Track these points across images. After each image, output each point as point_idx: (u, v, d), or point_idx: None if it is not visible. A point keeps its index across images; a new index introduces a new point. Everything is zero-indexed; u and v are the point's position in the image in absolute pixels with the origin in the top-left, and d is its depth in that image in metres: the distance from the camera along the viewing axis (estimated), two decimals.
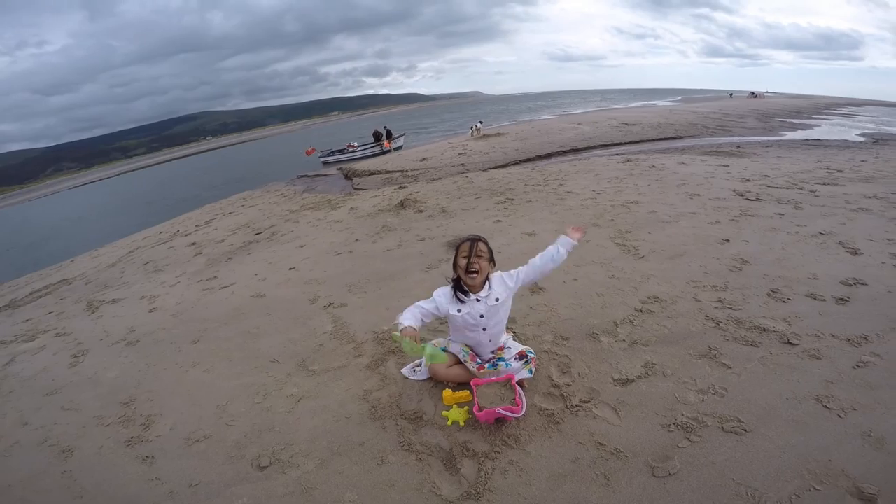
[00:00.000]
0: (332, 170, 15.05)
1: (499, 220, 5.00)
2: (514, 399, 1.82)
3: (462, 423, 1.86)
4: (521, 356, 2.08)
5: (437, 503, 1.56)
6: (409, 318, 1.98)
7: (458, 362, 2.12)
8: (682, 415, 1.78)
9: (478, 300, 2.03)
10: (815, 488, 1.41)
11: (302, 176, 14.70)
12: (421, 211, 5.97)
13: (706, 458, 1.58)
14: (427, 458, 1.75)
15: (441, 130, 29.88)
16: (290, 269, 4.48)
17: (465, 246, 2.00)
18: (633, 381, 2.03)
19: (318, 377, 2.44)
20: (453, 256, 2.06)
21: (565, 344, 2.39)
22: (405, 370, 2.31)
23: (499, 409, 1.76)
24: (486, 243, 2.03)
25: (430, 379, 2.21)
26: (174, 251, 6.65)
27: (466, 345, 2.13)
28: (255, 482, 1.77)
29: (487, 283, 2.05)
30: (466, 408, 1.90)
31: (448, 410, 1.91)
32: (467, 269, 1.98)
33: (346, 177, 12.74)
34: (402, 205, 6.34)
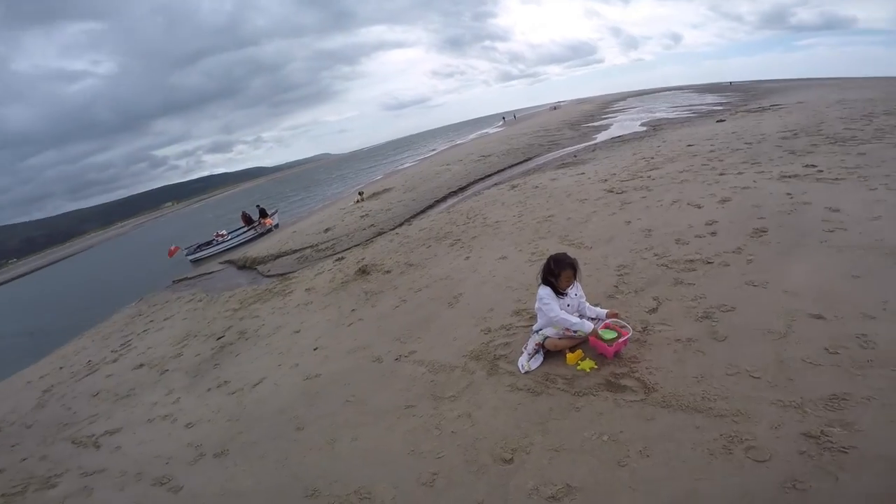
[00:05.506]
0: (215, 265, 13.91)
1: (468, 258, 5.84)
2: (620, 332, 2.86)
3: (588, 370, 2.82)
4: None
5: (639, 408, 2.40)
6: (579, 320, 2.92)
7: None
8: (701, 309, 3.09)
9: (566, 294, 3.03)
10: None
11: (179, 280, 12.95)
12: (389, 271, 6.37)
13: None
14: (602, 391, 2.61)
15: (304, 204, 29.53)
16: (315, 349, 4.63)
17: (569, 273, 2.92)
18: (655, 310, 3.29)
19: (462, 398, 2.97)
20: (550, 267, 2.96)
21: None
22: (521, 363, 3.08)
23: (619, 340, 2.78)
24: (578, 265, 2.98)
25: (545, 360, 3.06)
26: (115, 377, 5.80)
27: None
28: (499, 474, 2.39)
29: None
30: (589, 358, 2.87)
31: (578, 364, 2.86)
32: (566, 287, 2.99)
33: (243, 267, 12.07)
34: (363, 271, 6.68)
